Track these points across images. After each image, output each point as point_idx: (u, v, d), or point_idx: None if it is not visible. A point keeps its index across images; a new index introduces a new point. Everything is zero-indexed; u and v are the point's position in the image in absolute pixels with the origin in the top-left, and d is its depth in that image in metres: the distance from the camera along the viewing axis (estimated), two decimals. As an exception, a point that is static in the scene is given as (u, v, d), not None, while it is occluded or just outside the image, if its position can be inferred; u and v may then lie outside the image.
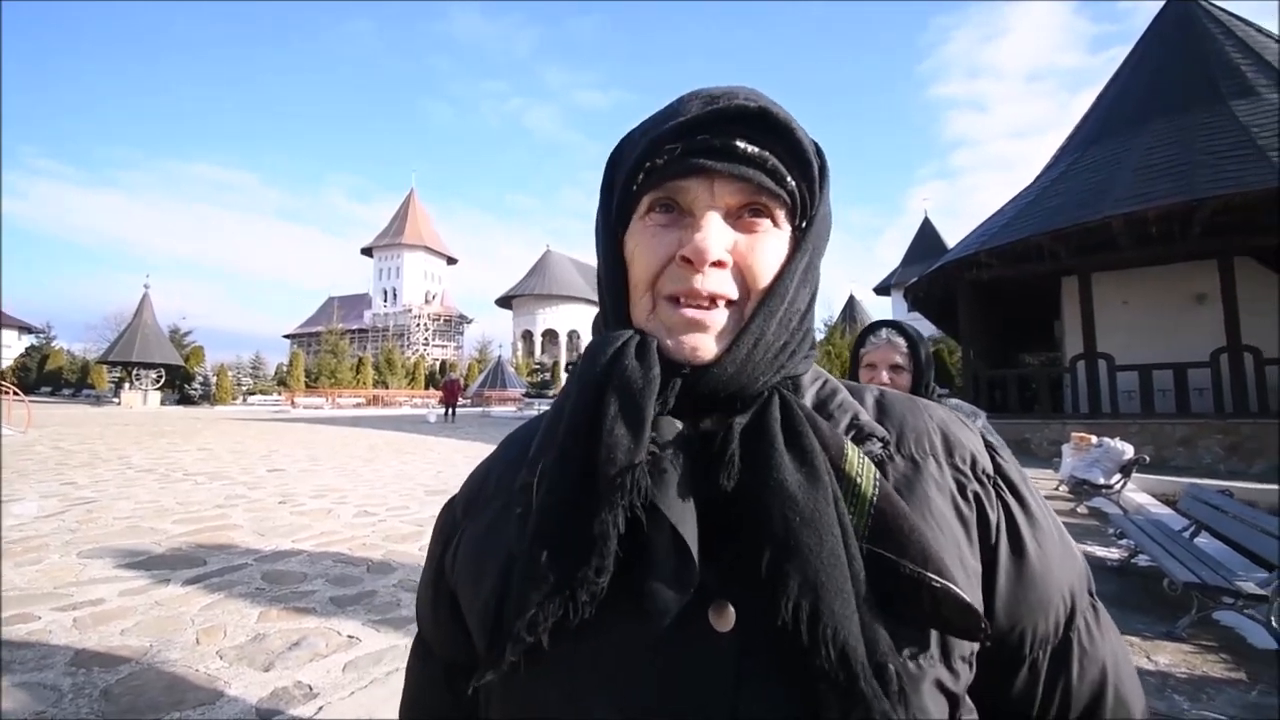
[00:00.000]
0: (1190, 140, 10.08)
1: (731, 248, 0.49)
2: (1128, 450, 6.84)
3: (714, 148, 0.48)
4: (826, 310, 49.85)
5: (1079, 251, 10.67)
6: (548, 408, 0.56)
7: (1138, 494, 7.11)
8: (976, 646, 0.46)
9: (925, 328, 18.07)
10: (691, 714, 0.41)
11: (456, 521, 0.58)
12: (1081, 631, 0.51)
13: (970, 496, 0.50)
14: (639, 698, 0.42)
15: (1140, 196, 9.51)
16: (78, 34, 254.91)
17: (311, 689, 2.60)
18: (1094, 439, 7.32)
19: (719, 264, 0.48)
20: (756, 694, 0.41)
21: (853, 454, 0.46)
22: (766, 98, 0.50)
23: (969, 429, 0.55)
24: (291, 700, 2.51)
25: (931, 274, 13.34)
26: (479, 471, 0.61)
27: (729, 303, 0.49)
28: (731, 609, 0.42)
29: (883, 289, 45.10)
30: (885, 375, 1.73)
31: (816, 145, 0.52)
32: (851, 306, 57.26)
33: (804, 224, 0.52)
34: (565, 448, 0.46)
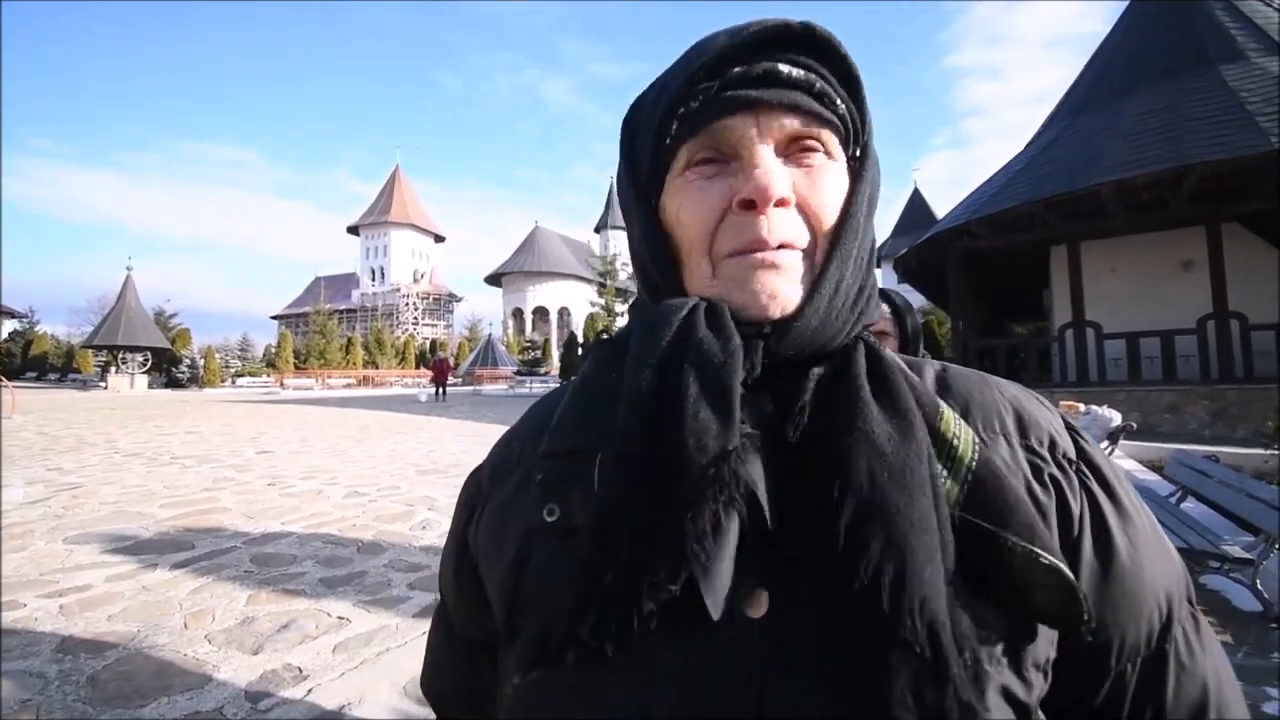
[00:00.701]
0: (1180, 106, 9.99)
1: (791, 187, 0.43)
2: (1115, 417, 6.89)
3: (754, 76, 0.43)
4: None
5: (1068, 220, 10.63)
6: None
7: (1125, 460, 7.19)
8: (1054, 654, 0.41)
9: (915, 299, 18.05)
10: (715, 705, 0.37)
11: (482, 490, 0.54)
12: (1179, 644, 0.45)
13: (1048, 481, 0.44)
14: (660, 687, 0.38)
15: (1130, 163, 9.43)
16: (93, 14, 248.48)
17: (301, 671, 2.59)
18: (1082, 407, 7.34)
19: (782, 203, 0.42)
20: (787, 684, 0.37)
21: (948, 413, 0.41)
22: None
23: (1047, 408, 0.50)
24: (281, 683, 2.50)
25: (921, 245, 13.27)
26: (504, 439, 0.57)
27: (796, 251, 0.44)
28: (765, 594, 0.38)
29: (872, 261, 44.80)
30: None
31: None
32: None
33: (858, 151, 0.47)
34: (629, 434, 0.40)
